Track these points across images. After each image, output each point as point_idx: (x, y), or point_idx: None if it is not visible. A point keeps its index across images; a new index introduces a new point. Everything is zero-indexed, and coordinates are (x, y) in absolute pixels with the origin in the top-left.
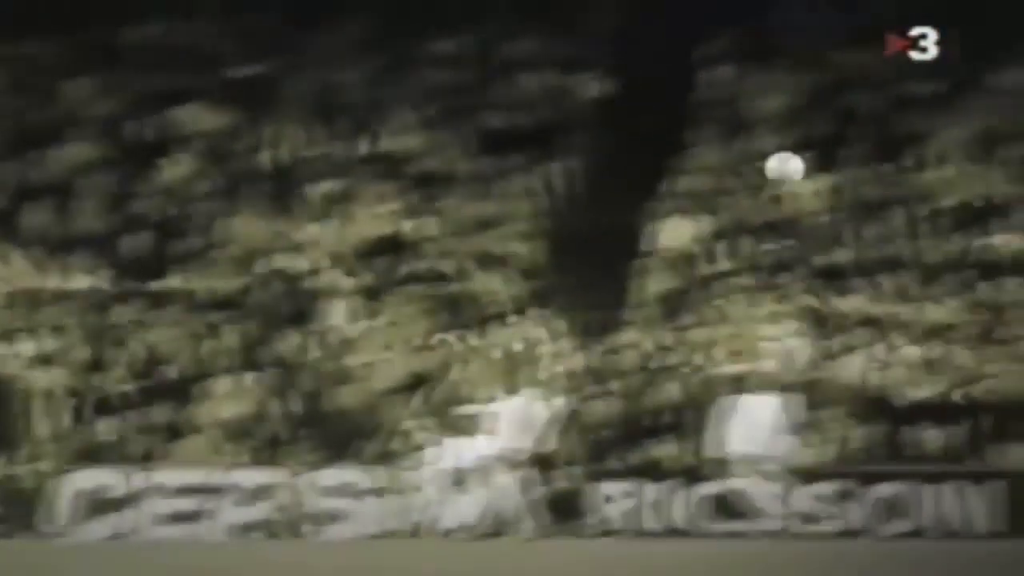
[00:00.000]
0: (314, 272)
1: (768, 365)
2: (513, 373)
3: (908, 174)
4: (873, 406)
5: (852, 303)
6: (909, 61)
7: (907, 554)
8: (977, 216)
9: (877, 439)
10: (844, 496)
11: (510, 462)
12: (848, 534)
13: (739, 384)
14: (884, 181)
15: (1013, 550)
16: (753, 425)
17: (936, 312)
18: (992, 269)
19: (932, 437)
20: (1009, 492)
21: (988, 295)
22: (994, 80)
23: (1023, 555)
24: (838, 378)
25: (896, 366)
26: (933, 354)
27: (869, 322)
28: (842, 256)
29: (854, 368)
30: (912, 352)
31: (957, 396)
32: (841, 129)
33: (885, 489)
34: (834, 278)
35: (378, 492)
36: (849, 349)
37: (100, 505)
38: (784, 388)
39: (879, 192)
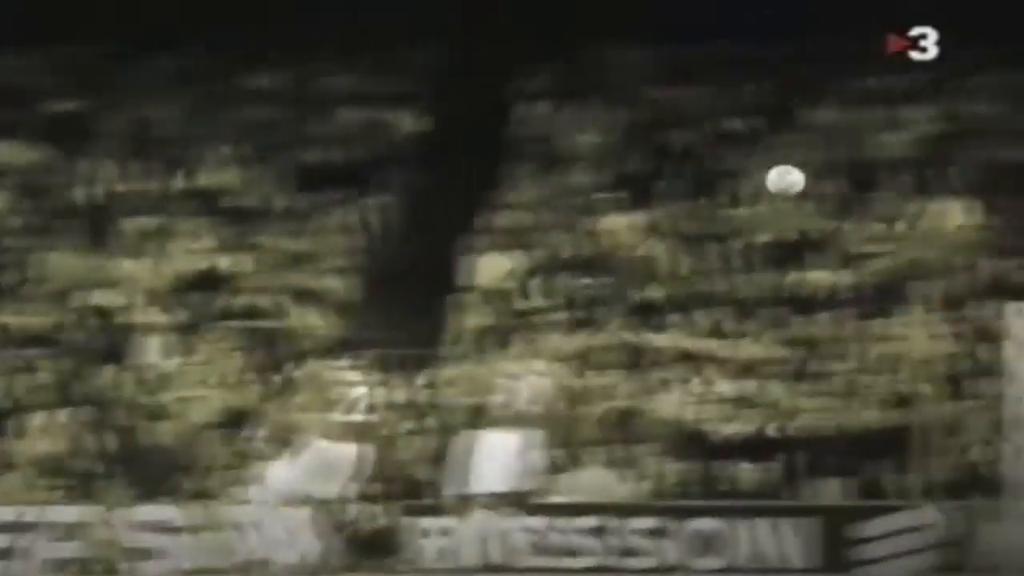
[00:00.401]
0: (129, 308)
1: (522, 399)
2: (328, 409)
3: (723, 210)
4: (688, 441)
5: (667, 339)
6: (736, 96)
7: None
8: (791, 252)
9: (692, 474)
10: (659, 532)
11: (326, 498)
12: (663, 570)
13: (494, 418)
14: (699, 217)
15: None
16: (498, 461)
17: (751, 348)
18: (806, 305)
19: (747, 472)
20: (823, 527)
21: (802, 330)
22: (808, 116)
23: None
24: (653, 413)
25: (711, 401)
26: (748, 390)
27: (684, 357)
28: (658, 291)
29: (669, 403)
30: (727, 387)
31: (772, 431)
32: (657, 165)
33: (700, 524)
34: (650, 313)
35: (194, 529)
36: (664, 384)
37: None
38: (536, 422)
39: (695, 228)
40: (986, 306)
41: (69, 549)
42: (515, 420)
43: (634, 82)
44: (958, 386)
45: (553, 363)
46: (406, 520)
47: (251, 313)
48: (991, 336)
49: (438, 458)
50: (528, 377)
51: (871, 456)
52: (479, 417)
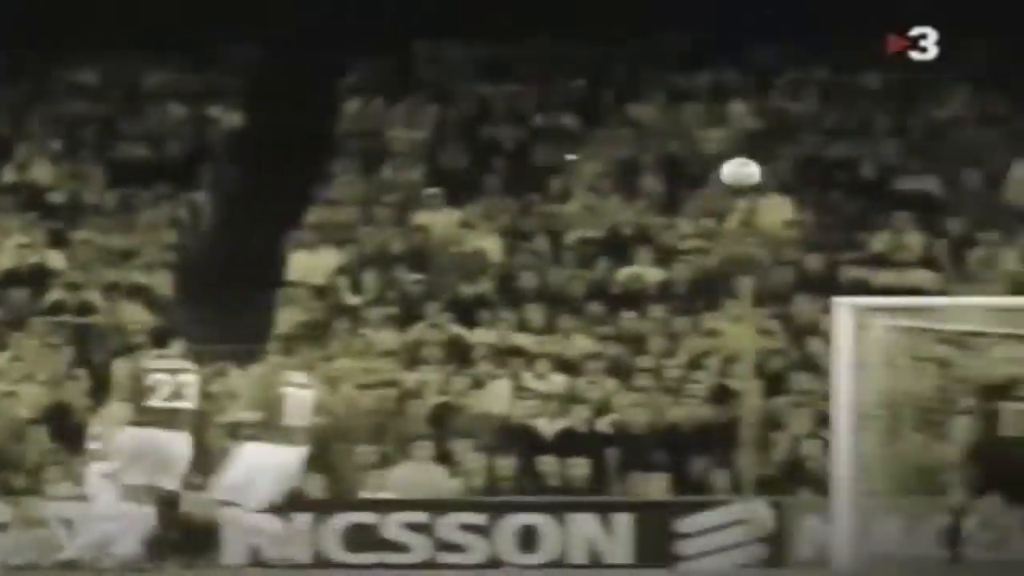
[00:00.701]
0: None
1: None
2: (148, 401)
3: (549, 205)
4: (513, 437)
5: (491, 334)
6: (556, 93)
7: None
8: (614, 247)
9: (516, 470)
10: (483, 527)
11: (145, 494)
12: (487, 566)
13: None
14: (522, 212)
15: None
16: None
17: (575, 343)
18: (629, 300)
19: (571, 468)
20: (646, 523)
21: (626, 326)
22: (628, 113)
23: None
24: (478, 408)
25: (535, 397)
26: (572, 385)
27: (508, 353)
28: (481, 287)
29: (494, 399)
30: (551, 383)
31: (596, 427)
32: (479, 161)
33: (524, 520)
34: (474, 309)
35: (17, 525)
36: (488, 379)
37: None
38: (299, 434)
39: (517, 223)
40: (807, 302)
41: None
42: (279, 431)
43: (455, 78)
44: (780, 381)
45: (329, 372)
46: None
47: (72, 308)
48: (812, 331)
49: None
50: (296, 389)
51: (694, 451)
52: (243, 425)
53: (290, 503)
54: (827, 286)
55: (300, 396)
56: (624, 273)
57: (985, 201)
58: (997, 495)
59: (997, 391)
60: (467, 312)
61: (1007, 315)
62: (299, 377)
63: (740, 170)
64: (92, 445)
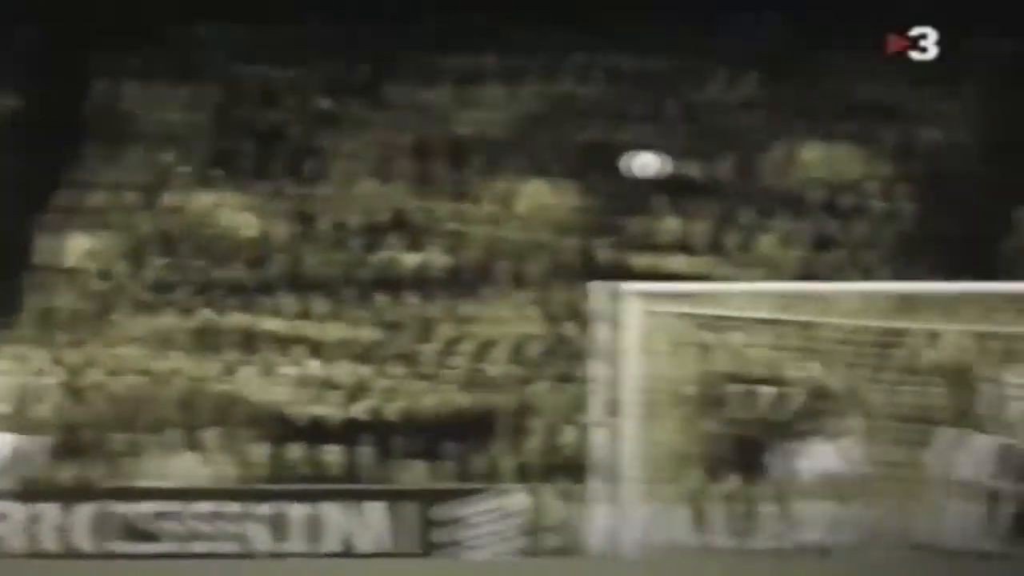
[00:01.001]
0: None
1: None
2: None
3: (314, 189)
4: (276, 424)
5: (255, 319)
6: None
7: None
8: (381, 232)
9: (280, 457)
10: (236, 515)
11: None
12: (250, 555)
13: None
14: (291, 197)
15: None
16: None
17: (340, 329)
18: (396, 285)
19: (335, 455)
20: (412, 511)
21: (391, 312)
22: (398, 95)
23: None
24: (240, 395)
25: (299, 384)
26: (336, 371)
27: (272, 338)
28: (245, 272)
29: (257, 385)
30: (316, 369)
31: (361, 414)
32: (246, 144)
33: (288, 508)
34: (237, 294)
35: None
36: (252, 366)
37: None
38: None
39: (283, 207)
40: (565, 287)
41: None
42: (21, 419)
43: (222, 60)
44: (538, 368)
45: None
46: None
47: None
48: (579, 317)
49: None
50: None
51: (460, 438)
52: None
53: (36, 492)
54: (586, 271)
55: (45, 384)
56: (380, 258)
57: (743, 185)
58: (742, 479)
59: (753, 376)
60: (231, 297)
61: (765, 300)
62: (45, 363)
63: (647, 163)
64: None
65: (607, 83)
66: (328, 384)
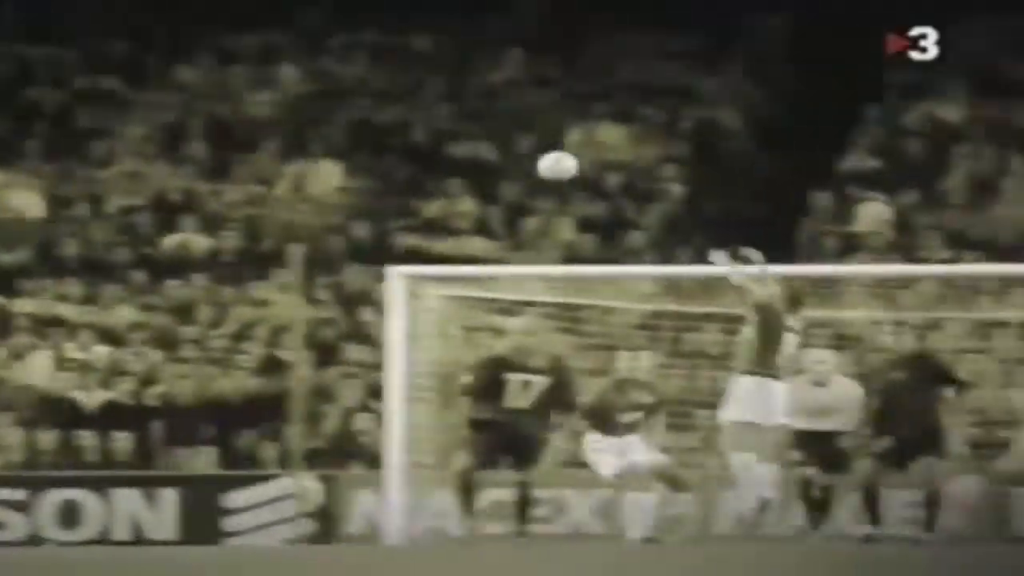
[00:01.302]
0: None
1: None
2: None
3: (91, 170)
4: (52, 410)
5: (32, 303)
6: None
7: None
8: (160, 214)
9: (56, 444)
10: (21, 503)
11: None
12: (29, 541)
13: None
14: (68, 178)
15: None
16: None
17: (118, 313)
18: (175, 268)
19: (114, 442)
20: (191, 497)
21: (171, 295)
22: (174, 75)
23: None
24: (15, 381)
25: (76, 369)
26: (115, 356)
27: (49, 323)
28: (23, 255)
29: (32, 371)
30: (93, 354)
31: (140, 399)
32: (19, 123)
33: (64, 495)
34: (11, 277)
35: None
36: (28, 351)
37: None
38: None
39: (63, 189)
40: (359, 270)
41: None
42: None
43: (4, 40)
44: (331, 352)
45: None
46: None
47: None
48: (364, 301)
49: None
50: None
51: (241, 424)
52: None
53: None
54: (380, 255)
55: None
56: (170, 241)
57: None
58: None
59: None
60: (6, 281)
61: (560, 284)
62: None
63: (559, 164)
64: None
65: (398, 62)
66: (116, 369)
